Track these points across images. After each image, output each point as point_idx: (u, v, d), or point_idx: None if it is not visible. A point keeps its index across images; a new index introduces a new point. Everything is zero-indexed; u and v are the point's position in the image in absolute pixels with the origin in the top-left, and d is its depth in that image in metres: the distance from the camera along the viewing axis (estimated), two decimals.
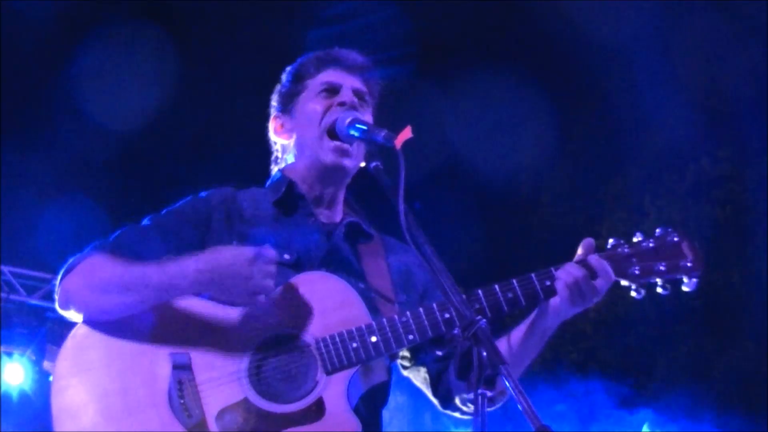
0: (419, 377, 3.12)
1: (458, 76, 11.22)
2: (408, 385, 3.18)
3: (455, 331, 2.33)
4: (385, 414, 3.00)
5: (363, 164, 3.07)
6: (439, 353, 3.03)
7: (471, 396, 2.26)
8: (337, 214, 3.13)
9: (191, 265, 2.71)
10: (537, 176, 12.72)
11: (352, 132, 2.89)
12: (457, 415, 3.07)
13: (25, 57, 10.09)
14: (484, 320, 2.34)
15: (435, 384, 3.08)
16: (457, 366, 2.99)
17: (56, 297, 2.85)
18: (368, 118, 3.09)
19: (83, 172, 10.43)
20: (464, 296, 2.72)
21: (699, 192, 12.17)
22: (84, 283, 2.80)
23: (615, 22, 10.69)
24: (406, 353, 3.08)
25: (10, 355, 9.86)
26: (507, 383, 2.21)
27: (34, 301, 10.04)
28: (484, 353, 2.26)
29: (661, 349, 12.23)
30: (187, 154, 10.62)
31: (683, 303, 11.44)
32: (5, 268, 9.97)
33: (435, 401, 3.09)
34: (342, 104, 3.04)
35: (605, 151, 12.20)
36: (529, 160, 12.20)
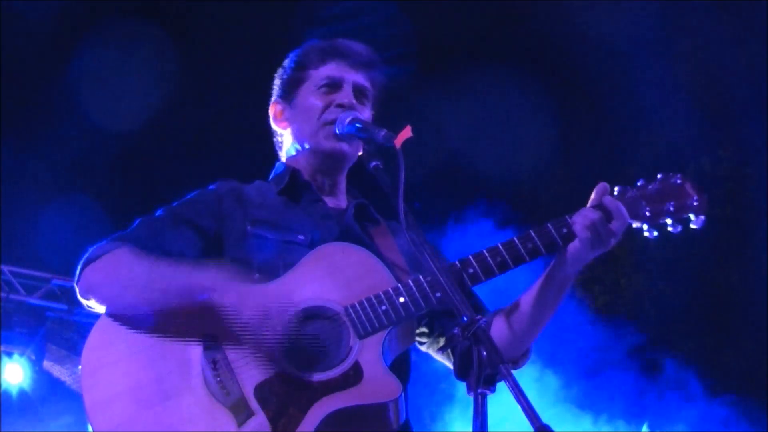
0: (439, 348, 3.11)
1: (458, 76, 11.22)
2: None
3: (455, 330, 2.32)
4: None
5: (360, 153, 3.10)
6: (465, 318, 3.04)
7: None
8: (342, 201, 3.18)
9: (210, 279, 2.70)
10: (537, 176, 12.71)
11: (352, 131, 2.92)
12: None
13: (25, 57, 10.08)
14: (484, 319, 2.34)
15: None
16: (458, 365, 2.99)
17: (77, 286, 2.84)
18: (367, 114, 3.13)
19: (83, 172, 10.42)
20: (486, 250, 2.78)
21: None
22: (107, 277, 2.79)
23: (615, 22, 10.68)
24: (423, 328, 3.08)
25: (10, 354, 9.86)
26: (506, 384, 2.20)
27: (34, 301, 10.03)
28: (484, 353, 2.25)
29: (661, 349, 12.22)
30: (187, 154, 10.61)
31: (683, 303, 11.43)
32: (5, 268, 9.96)
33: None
34: (341, 105, 3.07)
35: (605, 151, 12.19)
36: (529, 159, 12.19)
